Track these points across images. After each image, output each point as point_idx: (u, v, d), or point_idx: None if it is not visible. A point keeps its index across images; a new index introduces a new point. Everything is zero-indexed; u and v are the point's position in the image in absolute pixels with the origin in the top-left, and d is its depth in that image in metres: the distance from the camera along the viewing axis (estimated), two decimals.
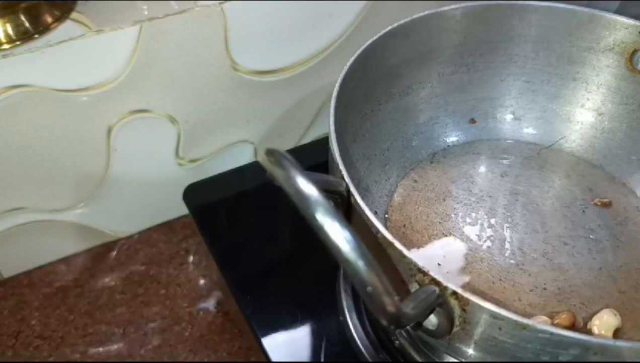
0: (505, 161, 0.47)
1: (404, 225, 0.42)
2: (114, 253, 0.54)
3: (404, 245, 0.29)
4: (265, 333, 0.41)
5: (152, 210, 0.55)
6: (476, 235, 0.42)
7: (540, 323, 0.26)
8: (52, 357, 0.48)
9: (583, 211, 0.43)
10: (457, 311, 0.28)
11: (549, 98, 0.48)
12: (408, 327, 0.28)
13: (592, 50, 0.45)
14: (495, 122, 0.49)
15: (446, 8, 0.43)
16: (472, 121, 0.48)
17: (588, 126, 0.47)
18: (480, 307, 0.27)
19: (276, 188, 0.27)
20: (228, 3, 0.46)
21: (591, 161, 0.47)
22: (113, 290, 0.52)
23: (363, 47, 0.39)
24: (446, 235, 0.42)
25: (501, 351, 0.28)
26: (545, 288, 0.39)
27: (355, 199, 0.31)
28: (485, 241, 0.41)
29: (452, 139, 0.48)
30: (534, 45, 0.46)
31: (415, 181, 0.45)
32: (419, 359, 0.38)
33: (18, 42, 0.42)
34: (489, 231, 0.42)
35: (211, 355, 0.48)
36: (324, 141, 0.35)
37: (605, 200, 0.44)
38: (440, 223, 0.43)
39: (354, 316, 0.41)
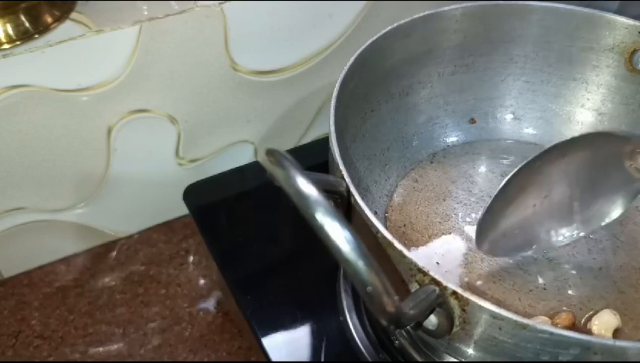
0: (505, 161, 0.47)
1: (404, 225, 0.42)
2: (114, 253, 0.54)
3: (404, 245, 0.29)
4: (265, 333, 0.41)
5: (152, 210, 0.55)
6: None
7: (540, 323, 0.26)
8: (52, 357, 0.48)
9: None
10: (457, 311, 0.28)
11: (549, 98, 0.48)
12: (408, 327, 0.28)
13: (592, 50, 0.45)
14: (495, 122, 0.49)
15: (446, 8, 0.43)
16: (472, 121, 0.48)
17: (588, 126, 0.47)
18: (480, 307, 0.27)
19: (276, 188, 0.27)
20: (228, 3, 0.46)
21: None
22: (113, 290, 0.52)
23: (363, 47, 0.39)
24: (446, 235, 0.42)
25: (501, 351, 0.28)
26: (545, 288, 0.39)
27: (355, 200, 0.31)
28: None
29: (452, 139, 0.48)
30: (534, 45, 0.46)
31: (415, 181, 0.45)
32: (419, 359, 0.38)
33: (18, 42, 0.42)
34: None
35: (211, 355, 0.48)
36: (324, 141, 0.35)
37: None
38: (440, 223, 0.43)
39: (354, 317, 0.41)
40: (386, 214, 0.43)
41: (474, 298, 0.27)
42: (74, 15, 0.44)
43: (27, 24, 0.42)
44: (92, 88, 0.45)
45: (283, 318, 0.41)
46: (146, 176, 0.52)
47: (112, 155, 0.49)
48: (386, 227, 0.40)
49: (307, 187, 0.26)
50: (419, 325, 0.28)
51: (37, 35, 0.42)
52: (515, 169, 0.36)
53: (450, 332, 0.29)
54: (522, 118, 0.48)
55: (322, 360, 0.40)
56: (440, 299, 0.28)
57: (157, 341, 0.48)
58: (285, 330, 0.41)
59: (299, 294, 0.43)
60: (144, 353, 0.48)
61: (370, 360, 0.39)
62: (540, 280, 0.39)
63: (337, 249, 0.25)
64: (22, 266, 0.52)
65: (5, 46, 0.41)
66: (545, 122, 0.48)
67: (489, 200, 0.36)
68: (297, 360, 0.40)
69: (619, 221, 0.43)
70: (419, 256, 0.40)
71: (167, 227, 0.56)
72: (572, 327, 0.36)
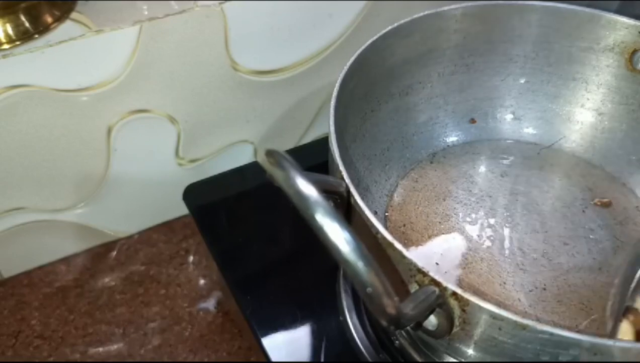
0: (505, 161, 0.47)
1: (404, 225, 0.42)
2: (114, 253, 0.54)
3: (404, 245, 0.29)
4: (265, 333, 0.41)
5: (152, 210, 0.55)
6: (476, 235, 0.42)
7: (540, 323, 0.26)
8: (52, 357, 0.48)
9: (583, 211, 0.43)
10: (457, 311, 0.28)
11: (549, 98, 0.48)
12: (408, 327, 0.28)
13: (592, 50, 0.45)
14: (495, 122, 0.49)
15: (446, 8, 0.43)
16: (472, 121, 0.48)
17: (588, 126, 0.47)
18: (480, 308, 0.27)
19: (276, 188, 0.27)
20: (228, 3, 0.46)
21: (591, 161, 0.47)
22: (113, 290, 0.52)
23: (363, 47, 0.39)
24: (446, 235, 0.42)
25: (501, 351, 0.28)
26: (545, 288, 0.39)
27: (355, 200, 0.31)
28: (485, 241, 0.41)
29: (452, 139, 0.48)
30: (534, 45, 0.46)
31: (415, 181, 0.45)
32: (419, 359, 0.38)
33: (18, 42, 0.42)
34: (488, 231, 0.42)
35: (211, 355, 0.48)
36: (324, 141, 0.35)
37: (605, 200, 0.44)
38: (440, 223, 0.43)
39: (354, 317, 0.41)
40: (386, 215, 0.43)
41: (473, 299, 0.27)
42: (74, 15, 0.44)
43: (27, 24, 0.42)
44: (92, 88, 0.45)
45: (283, 318, 0.41)
46: (146, 176, 0.52)
47: (112, 155, 0.49)
48: (386, 227, 0.40)
49: (306, 188, 0.26)
50: (419, 325, 0.28)
51: (37, 35, 0.42)
52: None
53: (450, 333, 0.29)
54: (522, 118, 0.48)
55: (322, 360, 0.40)
56: (440, 300, 0.28)
57: (157, 341, 0.48)
58: (285, 330, 0.41)
59: (299, 294, 0.43)
60: (144, 353, 0.48)
61: (370, 360, 0.39)
62: (540, 280, 0.39)
63: (337, 250, 0.25)
64: (22, 266, 0.52)
65: (5, 46, 0.41)
66: (545, 122, 0.48)
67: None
68: (297, 360, 0.40)
69: (619, 221, 0.43)
70: (419, 256, 0.40)
71: (167, 227, 0.56)
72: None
